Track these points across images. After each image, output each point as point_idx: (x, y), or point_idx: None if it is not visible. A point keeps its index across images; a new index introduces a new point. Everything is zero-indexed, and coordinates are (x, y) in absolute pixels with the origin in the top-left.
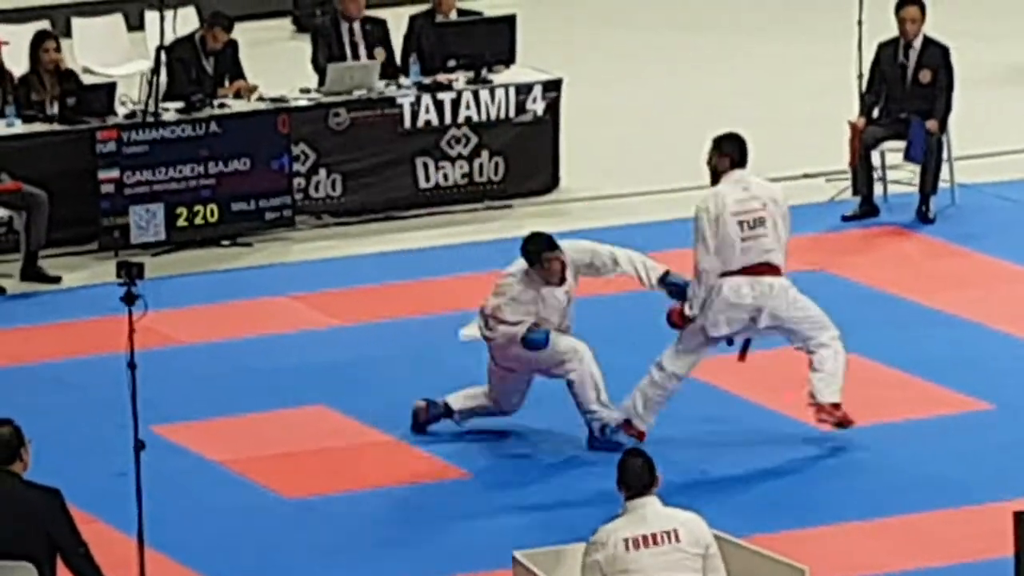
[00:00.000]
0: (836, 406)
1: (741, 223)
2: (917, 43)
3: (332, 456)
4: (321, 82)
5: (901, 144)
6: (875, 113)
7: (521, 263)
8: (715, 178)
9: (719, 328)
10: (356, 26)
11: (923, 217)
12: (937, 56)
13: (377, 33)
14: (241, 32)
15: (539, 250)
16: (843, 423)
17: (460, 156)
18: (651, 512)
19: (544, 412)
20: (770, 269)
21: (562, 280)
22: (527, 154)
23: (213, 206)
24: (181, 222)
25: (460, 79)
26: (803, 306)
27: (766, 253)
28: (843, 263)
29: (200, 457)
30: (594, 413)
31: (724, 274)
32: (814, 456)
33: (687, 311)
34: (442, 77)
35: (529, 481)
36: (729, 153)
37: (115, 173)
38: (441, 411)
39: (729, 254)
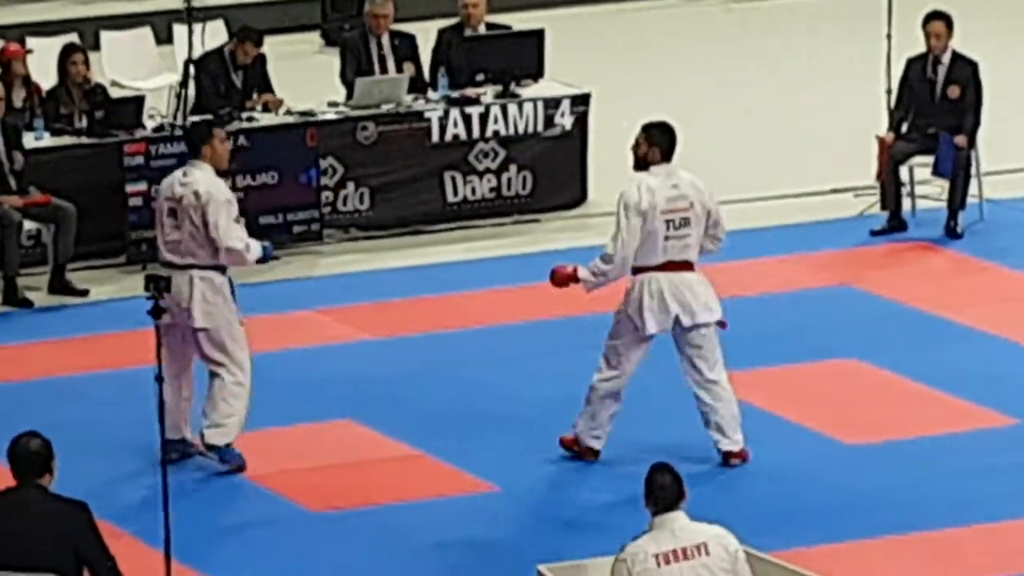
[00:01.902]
0: (742, 450)
1: (668, 222)
2: (946, 58)
3: (358, 470)
4: (349, 96)
5: (930, 159)
6: (904, 128)
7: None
8: (641, 166)
9: (649, 326)
10: (385, 40)
11: (951, 232)
12: (966, 71)
13: (405, 47)
14: (270, 46)
15: None
16: (745, 459)
17: (488, 170)
18: (679, 527)
19: (565, 421)
20: (687, 266)
21: None
22: (555, 168)
23: (241, 220)
24: None
25: (488, 93)
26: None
27: (686, 250)
28: (871, 278)
29: (227, 470)
30: None
31: (643, 270)
32: (841, 471)
33: (581, 275)
34: (470, 91)
35: (555, 495)
36: (660, 144)
37: (143, 186)
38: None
39: (651, 250)
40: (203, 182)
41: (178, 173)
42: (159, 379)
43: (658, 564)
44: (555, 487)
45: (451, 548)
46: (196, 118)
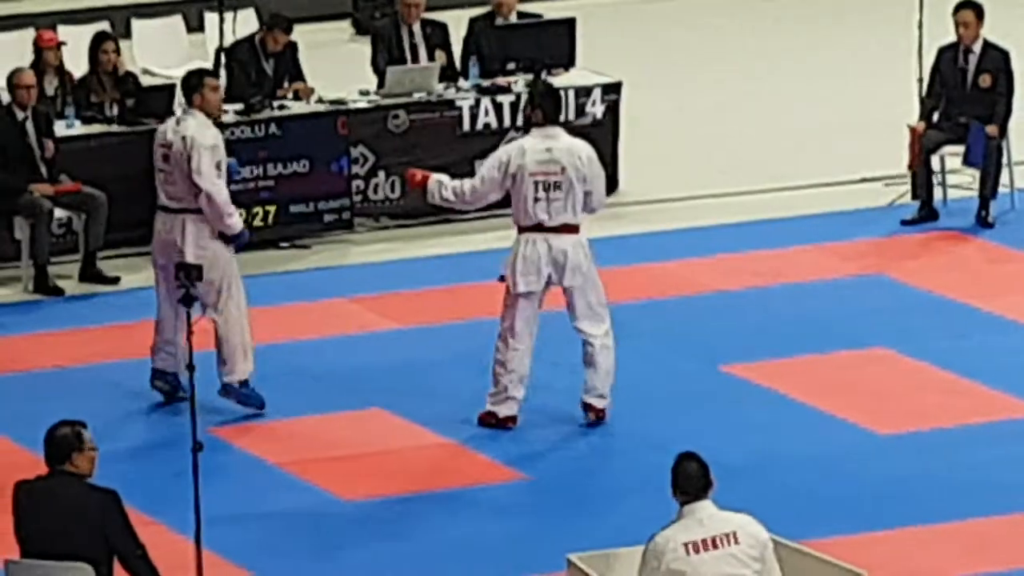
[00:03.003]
0: (602, 410)
1: (537, 183)
2: (977, 47)
3: (390, 458)
4: (380, 84)
5: (961, 148)
6: (935, 117)
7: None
8: (527, 129)
9: (518, 286)
10: (416, 28)
11: (982, 221)
12: (997, 60)
13: (437, 36)
14: (300, 34)
15: None
16: (601, 419)
17: None
18: (707, 516)
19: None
20: (567, 228)
21: None
22: None
23: (272, 208)
24: None
25: (519, 82)
26: (594, 272)
27: (560, 215)
28: (902, 267)
29: (258, 459)
30: None
31: (521, 229)
32: (873, 460)
33: (429, 184)
34: (501, 80)
35: (585, 483)
36: (543, 106)
37: None
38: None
39: (522, 210)
40: (192, 128)
41: (172, 120)
42: (190, 367)
43: (687, 553)
44: (585, 476)
45: (481, 537)
46: (227, 106)
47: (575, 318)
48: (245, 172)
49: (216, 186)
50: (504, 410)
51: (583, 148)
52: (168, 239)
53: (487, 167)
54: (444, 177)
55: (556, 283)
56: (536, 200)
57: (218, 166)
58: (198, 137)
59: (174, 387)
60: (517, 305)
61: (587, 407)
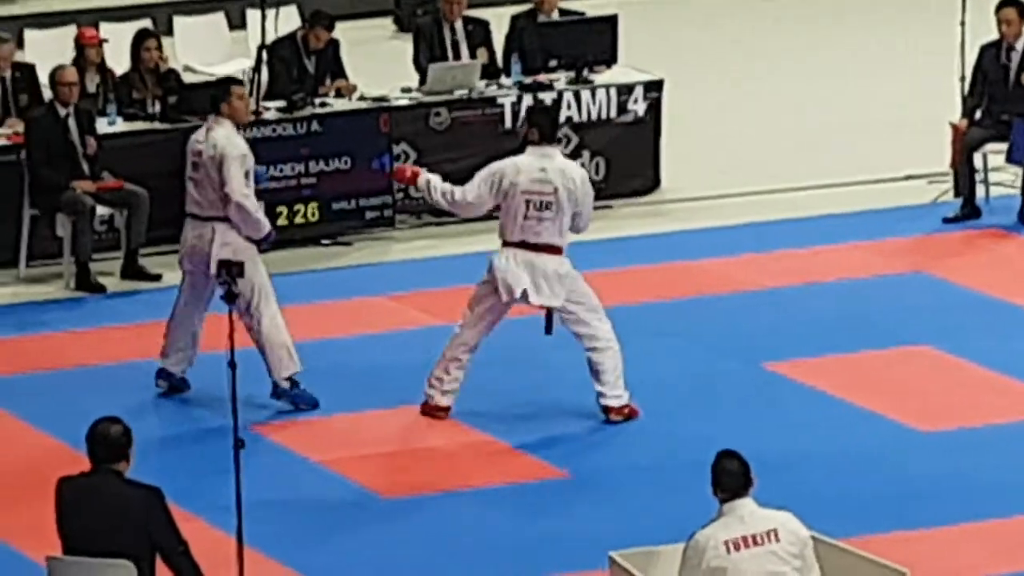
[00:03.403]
0: (624, 407)
1: (528, 202)
2: (1019, 45)
3: (430, 456)
4: (422, 82)
5: (1003, 146)
6: (977, 115)
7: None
8: (522, 147)
9: (503, 296)
10: (458, 26)
11: None
12: None
13: (479, 33)
14: (342, 31)
15: None
16: (631, 416)
17: None
18: (748, 513)
19: (642, 410)
20: (550, 249)
21: None
22: (628, 154)
23: (314, 205)
24: (281, 221)
25: (561, 79)
26: (579, 289)
27: (546, 235)
28: (944, 265)
29: (298, 455)
30: None
31: (505, 243)
32: (914, 458)
33: (419, 182)
34: (543, 77)
35: (626, 481)
36: (538, 124)
37: None
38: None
39: (510, 225)
40: (221, 137)
41: (201, 130)
42: (231, 364)
43: (728, 551)
44: (626, 473)
45: (522, 534)
46: (269, 103)
47: (569, 330)
48: (287, 169)
49: (246, 196)
50: (446, 400)
51: (576, 170)
52: (198, 246)
53: (479, 180)
54: (435, 178)
55: (532, 300)
56: (526, 218)
57: (247, 175)
58: (227, 147)
59: (175, 387)
60: (492, 315)
61: (607, 410)
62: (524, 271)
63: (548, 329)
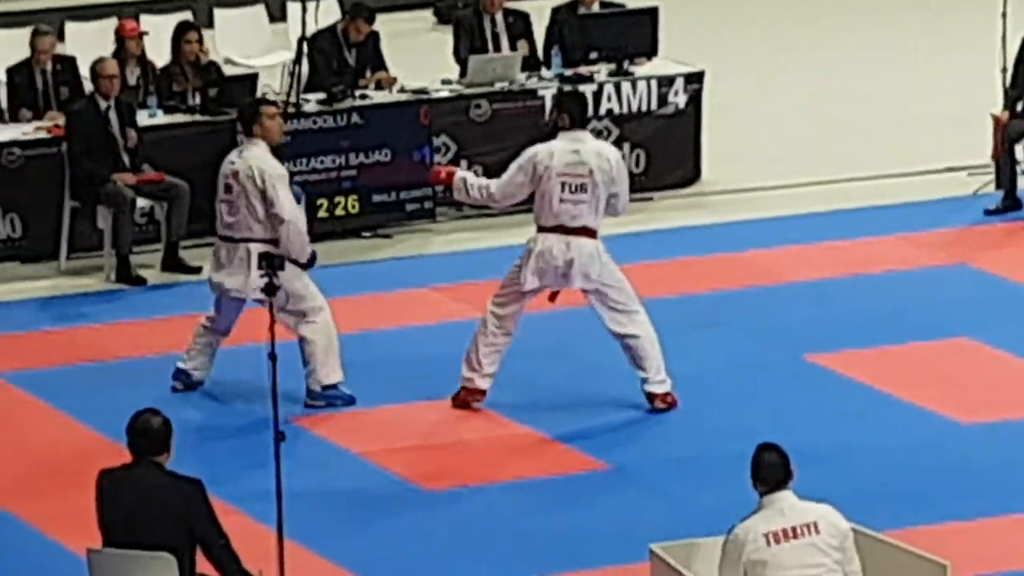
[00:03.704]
0: (667, 394)
1: (564, 184)
2: None
3: (470, 448)
4: (463, 74)
5: None
6: (1019, 107)
7: None
8: (554, 133)
9: (528, 283)
10: (498, 18)
11: None
12: None
13: (519, 25)
14: (383, 24)
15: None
16: (673, 405)
17: None
18: (788, 506)
19: (683, 402)
20: (585, 232)
21: None
22: (668, 146)
23: (354, 197)
24: (322, 213)
25: (602, 71)
26: (615, 274)
27: (582, 218)
28: (985, 257)
29: (339, 447)
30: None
31: (539, 229)
32: (955, 450)
33: (455, 181)
34: (584, 69)
35: (666, 473)
36: (569, 110)
37: None
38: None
39: (546, 209)
40: (256, 158)
41: (234, 152)
42: (271, 356)
43: (768, 543)
44: (666, 466)
45: (562, 527)
46: (309, 95)
47: (604, 322)
48: (327, 161)
49: (296, 216)
50: (485, 383)
51: (610, 151)
52: (231, 269)
53: (514, 169)
54: (469, 175)
55: (567, 284)
56: (561, 201)
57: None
58: (268, 169)
59: (189, 385)
60: (518, 301)
61: (651, 396)
62: (560, 259)
63: (553, 298)
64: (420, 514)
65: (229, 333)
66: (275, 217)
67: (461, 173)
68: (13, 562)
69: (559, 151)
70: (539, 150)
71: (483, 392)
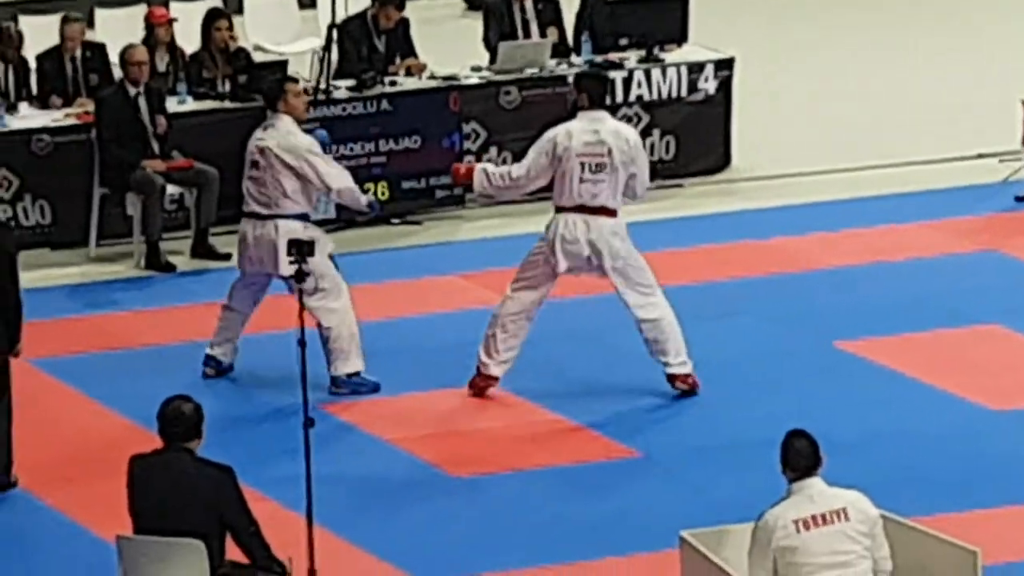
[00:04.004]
0: (688, 375)
1: (583, 164)
2: None
3: (500, 435)
4: (492, 60)
5: None
6: None
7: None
8: (573, 113)
9: (560, 264)
10: (528, 4)
11: None
12: None
13: (549, 12)
14: (412, 10)
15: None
16: (694, 388)
17: None
18: (817, 492)
19: (712, 389)
20: (605, 212)
21: None
22: (698, 133)
23: (383, 184)
24: None
25: (632, 58)
26: (633, 254)
27: (602, 197)
28: (1016, 244)
29: (368, 434)
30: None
31: (561, 209)
32: (985, 437)
33: (475, 174)
34: (613, 56)
35: (696, 460)
36: (588, 90)
37: None
38: None
39: (566, 189)
40: (283, 134)
41: (259, 128)
42: (301, 343)
43: (797, 530)
44: (696, 453)
45: (592, 514)
46: (339, 82)
47: (626, 305)
48: (357, 148)
49: (344, 181)
50: (499, 370)
51: (629, 132)
52: (259, 246)
53: (533, 152)
54: (489, 165)
55: (595, 266)
56: (581, 181)
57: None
58: (298, 144)
59: (220, 371)
60: (547, 283)
61: (672, 378)
62: (583, 239)
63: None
64: (448, 501)
65: (252, 311)
66: (326, 188)
67: (481, 166)
68: (43, 549)
69: (578, 131)
70: (558, 131)
71: (497, 379)
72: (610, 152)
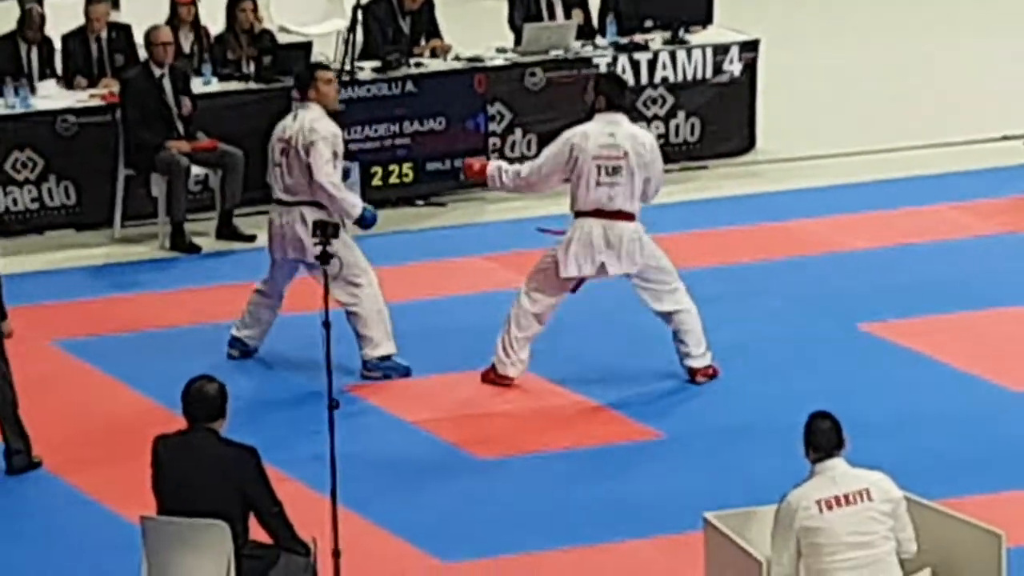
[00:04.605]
0: (708, 367)
1: (599, 167)
2: None
3: (524, 416)
4: (517, 42)
5: None
6: None
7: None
8: (590, 115)
9: (570, 269)
10: None
11: None
12: None
13: None
14: None
15: None
16: (714, 377)
17: (656, 116)
18: (840, 473)
19: (736, 371)
20: (622, 216)
21: None
22: (723, 115)
23: (408, 165)
24: (376, 181)
25: (657, 39)
26: (655, 254)
27: (619, 200)
28: None
29: (393, 416)
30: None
31: (579, 214)
32: (1010, 419)
33: (489, 170)
34: (639, 37)
35: (720, 442)
36: (605, 92)
37: None
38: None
39: (582, 193)
40: (310, 120)
41: (288, 116)
42: (326, 324)
43: (820, 510)
44: (720, 434)
45: (616, 496)
46: (364, 63)
47: (644, 303)
48: (381, 129)
49: (328, 176)
50: (514, 371)
51: (645, 136)
52: (286, 233)
53: (548, 152)
54: (503, 163)
55: (611, 270)
56: (598, 184)
57: (334, 155)
58: (318, 128)
59: (245, 353)
60: (557, 287)
61: (692, 371)
62: (601, 244)
63: (575, 289)
64: (473, 482)
65: (282, 300)
66: (310, 175)
67: (494, 163)
68: (68, 529)
69: (594, 133)
70: (574, 133)
71: (512, 379)
72: (626, 155)
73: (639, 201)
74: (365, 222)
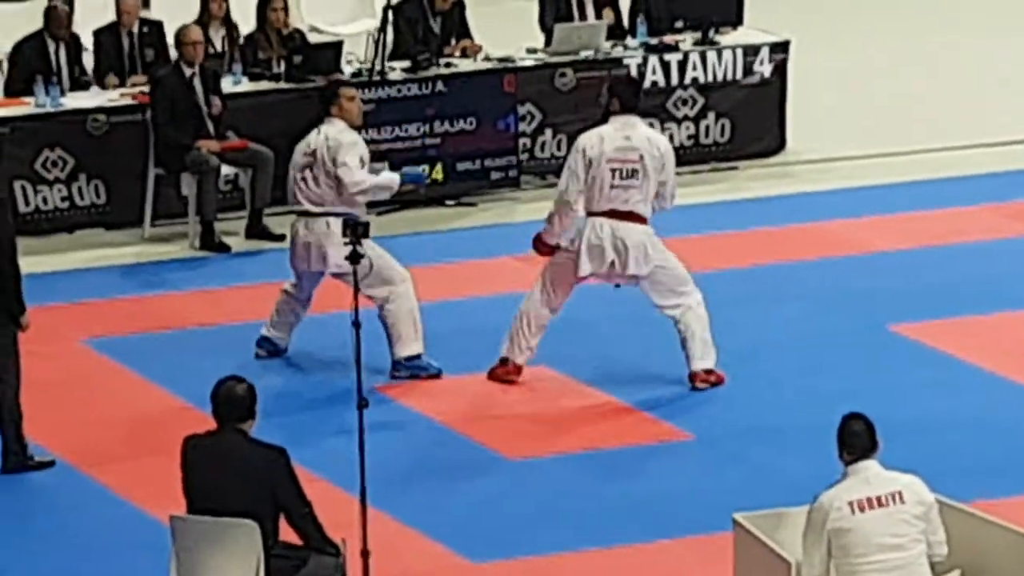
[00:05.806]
0: (709, 372)
1: (615, 171)
2: None
3: (553, 417)
4: (548, 42)
5: None
6: None
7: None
8: (604, 117)
9: (583, 268)
10: None
11: None
12: None
13: None
14: None
15: None
16: (718, 383)
17: (686, 117)
18: (873, 475)
19: (767, 371)
20: (635, 218)
21: None
22: (754, 116)
23: (438, 165)
24: None
25: (687, 40)
26: (666, 257)
27: (634, 203)
28: None
29: (422, 416)
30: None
31: (591, 214)
32: None
33: (546, 238)
34: (669, 38)
35: (750, 443)
36: (620, 95)
37: None
38: None
39: (597, 195)
40: (334, 132)
41: (312, 132)
42: (355, 324)
43: (852, 512)
44: (751, 435)
45: (646, 496)
46: (394, 63)
47: (652, 301)
48: (411, 129)
49: (356, 174)
50: (522, 359)
51: (661, 140)
52: (310, 243)
53: (569, 165)
54: (548, 223)
55: (619, 271)
56: (612, 187)
57: (361, 161)
58: (341, 137)
59: (274, 352)
60: (569, 285)
61: (692, 376)
62: (609, 244)
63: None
64: (502, 482)
65: (310, 302)
66: (338, 180)
67: (545, 231)
68: (96, 528)
69: (609, 136)
70: (589, 137)
71: (521, 368)
72: (641, 158)
73: (656, 204)
74: (412, 179)
